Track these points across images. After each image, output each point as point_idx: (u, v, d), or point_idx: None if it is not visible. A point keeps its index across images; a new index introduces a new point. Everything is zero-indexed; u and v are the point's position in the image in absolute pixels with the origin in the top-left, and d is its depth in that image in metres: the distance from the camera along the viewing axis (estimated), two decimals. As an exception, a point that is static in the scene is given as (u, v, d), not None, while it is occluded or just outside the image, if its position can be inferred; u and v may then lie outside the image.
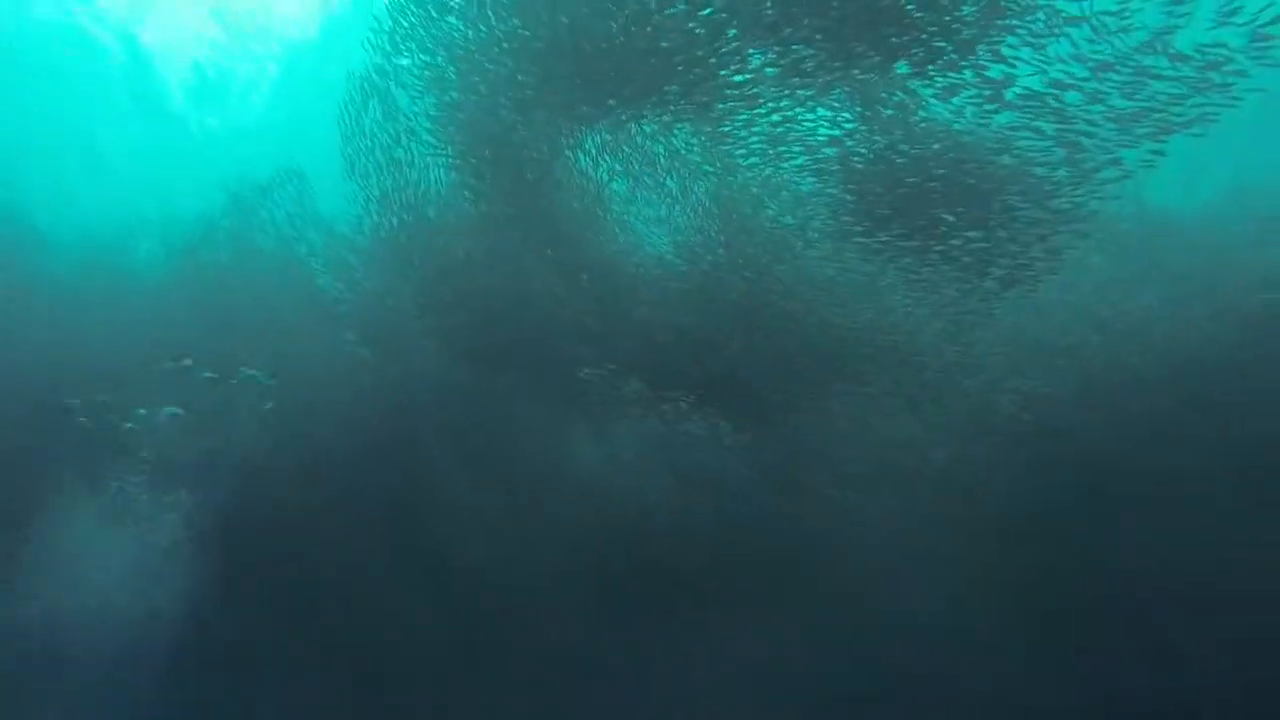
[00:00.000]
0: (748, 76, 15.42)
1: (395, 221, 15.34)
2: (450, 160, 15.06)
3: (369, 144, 14.99)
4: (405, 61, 14.50)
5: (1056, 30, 13.86)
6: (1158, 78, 14.46)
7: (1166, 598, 16.49)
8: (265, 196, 15.89)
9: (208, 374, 16.34)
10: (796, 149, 15.68)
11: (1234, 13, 13.92)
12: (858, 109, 15.60)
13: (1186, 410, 16.72)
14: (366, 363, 15.67)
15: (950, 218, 16.18)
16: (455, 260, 15.35)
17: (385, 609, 15.34)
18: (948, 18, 14.42)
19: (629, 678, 15.36)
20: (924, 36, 14.80)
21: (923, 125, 15.64)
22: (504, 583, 15.47)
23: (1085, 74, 14.53)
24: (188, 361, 16.07)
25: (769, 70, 15.44)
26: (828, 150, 15.78)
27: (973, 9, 14.19)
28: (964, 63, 14.70)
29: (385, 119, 14.94)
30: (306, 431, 16.38)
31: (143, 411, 16.24)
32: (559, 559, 15.57)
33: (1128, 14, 14.13)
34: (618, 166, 15.20)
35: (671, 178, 15.44)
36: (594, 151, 15.00)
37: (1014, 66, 14.59)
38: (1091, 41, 13.97)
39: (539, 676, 15.42)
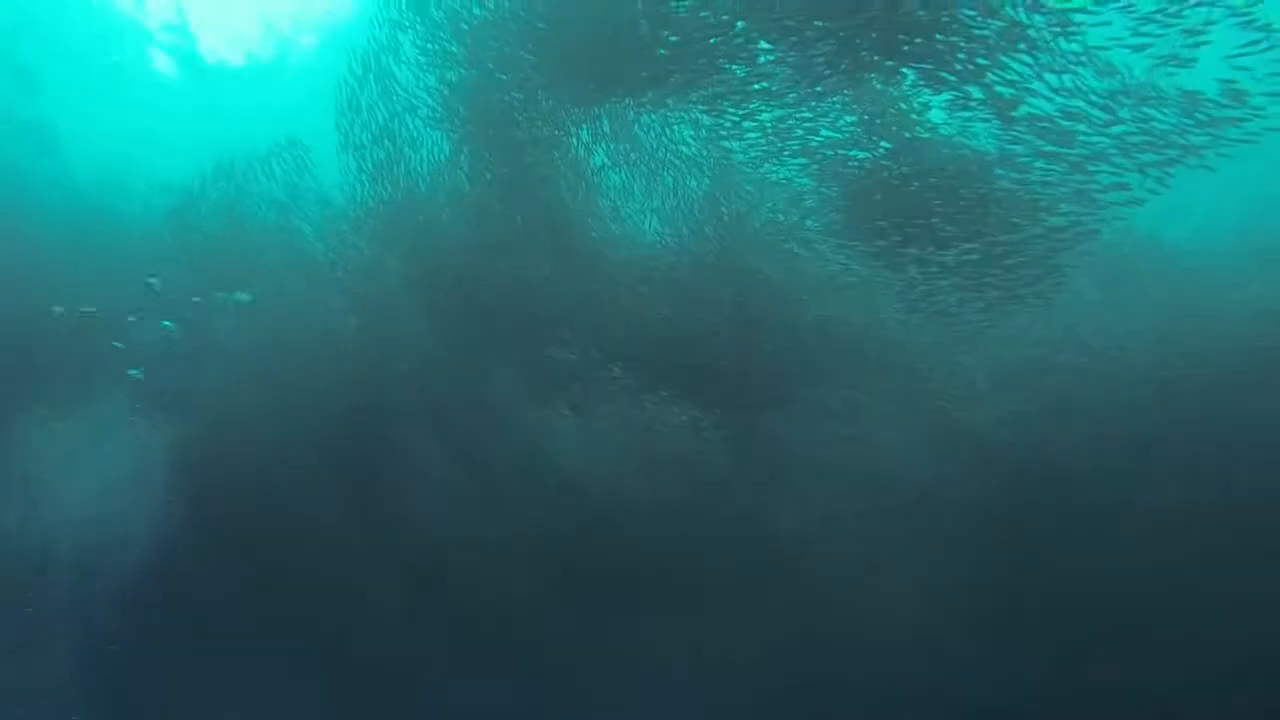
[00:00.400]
0: (753, 71, 15.23)
1: (388, 196, 15.30)
2: (448, 138, 14.98)
3: (366, 118, 14.90)
4: (407, 36, 14.35)
5: (1072, 64, 13.65)
6: (1166, 108, 14.28)
7: (1136, 614, 16.76)
8: (262, 166, 15.86)
9: (195, 298, 16.46)
10: (795, 148, 15.53)
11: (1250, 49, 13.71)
12: (862, 113, 15.43)
13: (1165, 436, 16.81)
14: (351, 329, 15.77)
15: (949, 229, 16.10)
16: (445, 238, 15.34)
17: (344, 570, 15.66)
18: (964, 34, 14.19)
19: (590, 661, 15.74)
20: (938, 48, 14.57)
21: (927, 135, 15.48)
22: (469, 559, 15.77)
23: (1095, 99, 14.34)
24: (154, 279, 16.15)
25: (775, 67, 15.24)
26: (827, 152, 15.64)
27: (992, 29, 13.96)
28: (975, 79, 14.50)
29: (384, 94, 14.83)
30: (286, 384, 16.47)
31: (132, 319, 16.31)
32: (528, 540, 15.84)
33: (1146, 39, 13.91)
34: (615, 156, 15.08)
35: (668, 170, 15.33)
36: (592, 139, 14.88)
37: (1025, 85, 14.41)
38: (1102, 75, 13.76)
39: (499, 654, 15.81)
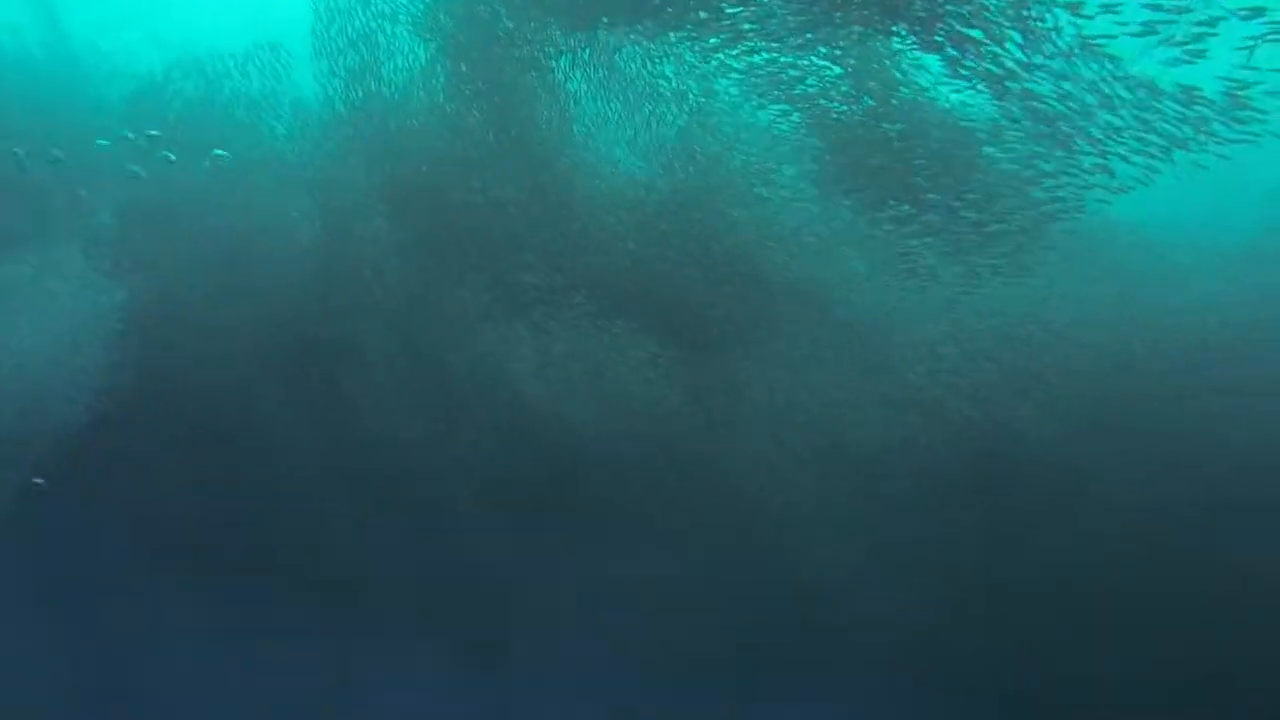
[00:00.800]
0: (746, 11, 14.69)
1: (362, 102, 14.98)
2: (426, 49, 14.55)
3: (344, 23, 14.42)
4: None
5: (1072, 46, 13.14)
6: (1161, 100, 13.85)
7: (1090, 583, 17.28)
8: (238, 65, 15.41)
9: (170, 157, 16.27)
10: (779, 94, 15.12)
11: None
12: (852, 66, 14.96)
13: (1126, 414, 16.98)
14: (317, 234, 15.71)
15: (930, 194, 15.85)
16: (416, 149, 15.11)
17: (295, 473, 16.06)
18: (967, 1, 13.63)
19: (532, 580, 16.34)
20: (939, 11, 14.01)
21: (916, 98, 15.04)
22: (422, 473, 16.18)
23: (1090, 83, 13.88)
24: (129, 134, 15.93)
25: (770, 8, 14.69)
26: (813, 101, 15.24)
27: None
28: (971, 48, 13.99)
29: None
30: (245, 270, 16.42)
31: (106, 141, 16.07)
32: (480, 461, 16.23)
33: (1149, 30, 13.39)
34: (594, 84, 14.69)
35: (646, 103, 14.97)
36: (572, 65, 14.47)
37: (1022, 61, 13.93)
38: (1101, 60, 13.27)
39: (446, 571, 16.39)
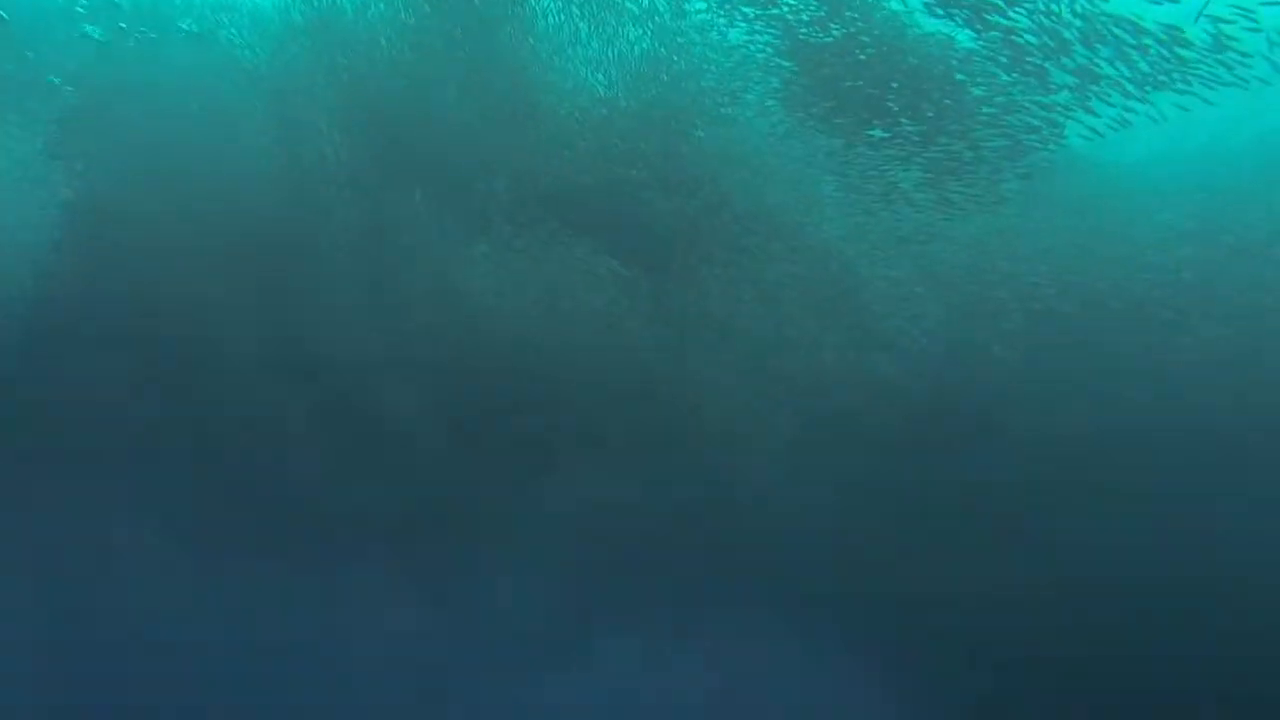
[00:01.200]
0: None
1: (323, 12, 14.33)
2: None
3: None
4: None
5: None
6: (1145, 38, 13.39)
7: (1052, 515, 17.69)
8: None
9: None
10: (752, 14, 14.56)
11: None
12: (828, -14, 14.37)
13: (1091, 346, 17.10)
14: (273, 141, 15.28)
15: (904, 122, 15.49)
16: (378, 61, 14.60)
17: (244, 382, 15.97)
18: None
19: (481, 504, 16.60)
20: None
21: (895, 24, 14.50)
22: (374, 388, 16.23)
23: (1070, 19, 13.38)
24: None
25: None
26: (788, 20, 14.69)
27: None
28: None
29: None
30: (197, 167, 15.95)
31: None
32: (434, 378, 16.30)
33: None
34: (562, 2, 14.12)
35: (614, 18, 14.41)
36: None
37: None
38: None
39: (401, 491, 16.63)
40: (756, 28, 14.72)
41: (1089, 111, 14.69)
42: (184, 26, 14.70)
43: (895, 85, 15.19)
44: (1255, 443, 16.14)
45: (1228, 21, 13.18)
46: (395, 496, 16.93)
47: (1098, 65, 13.83)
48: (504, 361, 16.13)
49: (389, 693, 18.07)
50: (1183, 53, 13.24)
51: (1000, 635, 17.30)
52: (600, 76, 15.08)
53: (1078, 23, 13.39)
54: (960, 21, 13.81)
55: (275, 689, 17.86)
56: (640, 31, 14.58)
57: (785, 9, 14.49)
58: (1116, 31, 13.37)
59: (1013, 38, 13.78)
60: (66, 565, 17.50)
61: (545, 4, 14.21)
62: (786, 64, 15.06)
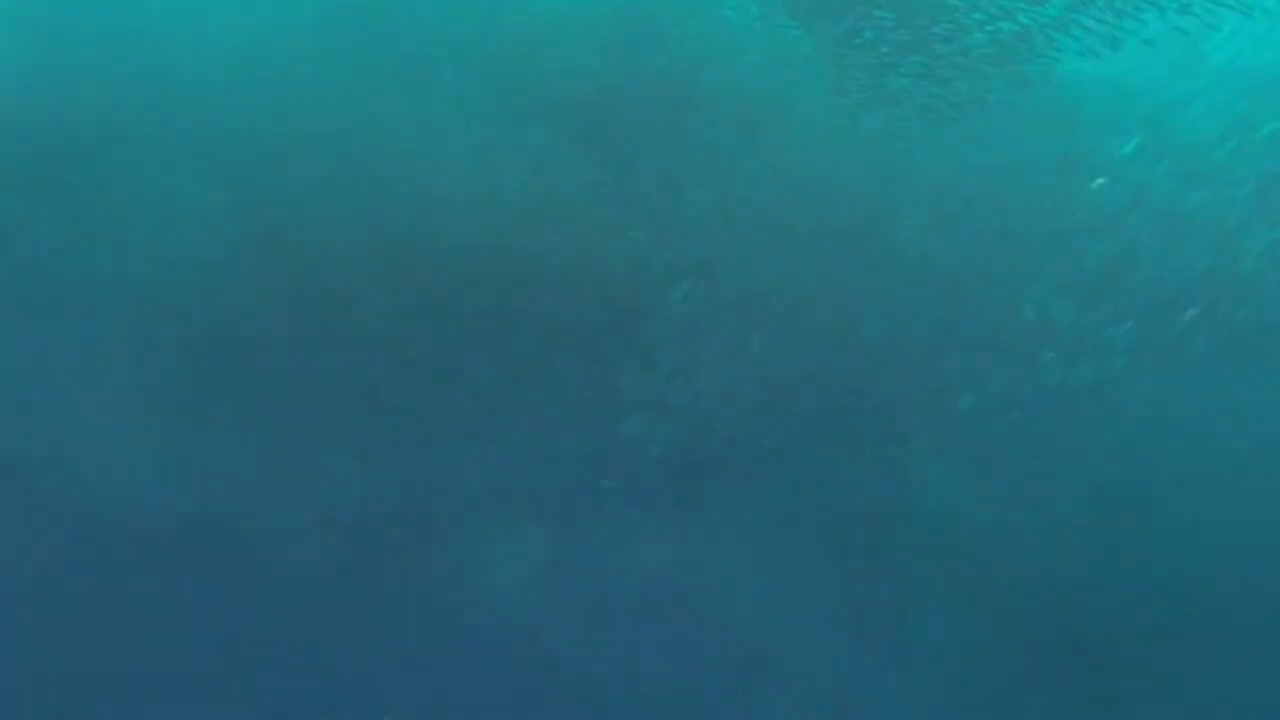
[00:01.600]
0: None
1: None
2: None
3: None
4: None
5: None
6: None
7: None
8: None
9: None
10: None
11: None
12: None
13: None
14: (242, 37, 13.84)
15: (900, 31, 15.16)
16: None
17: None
18: None
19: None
20: None
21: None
22: (328, 283, 15.32)
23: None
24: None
25: None
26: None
27: None
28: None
29: None
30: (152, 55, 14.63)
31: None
32: (389, 264, 15.38)
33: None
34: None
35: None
36: None
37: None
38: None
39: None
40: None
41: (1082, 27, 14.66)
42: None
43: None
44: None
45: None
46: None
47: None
48: (469, 253, 15.49)
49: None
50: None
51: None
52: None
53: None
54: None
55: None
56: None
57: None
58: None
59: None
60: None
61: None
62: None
